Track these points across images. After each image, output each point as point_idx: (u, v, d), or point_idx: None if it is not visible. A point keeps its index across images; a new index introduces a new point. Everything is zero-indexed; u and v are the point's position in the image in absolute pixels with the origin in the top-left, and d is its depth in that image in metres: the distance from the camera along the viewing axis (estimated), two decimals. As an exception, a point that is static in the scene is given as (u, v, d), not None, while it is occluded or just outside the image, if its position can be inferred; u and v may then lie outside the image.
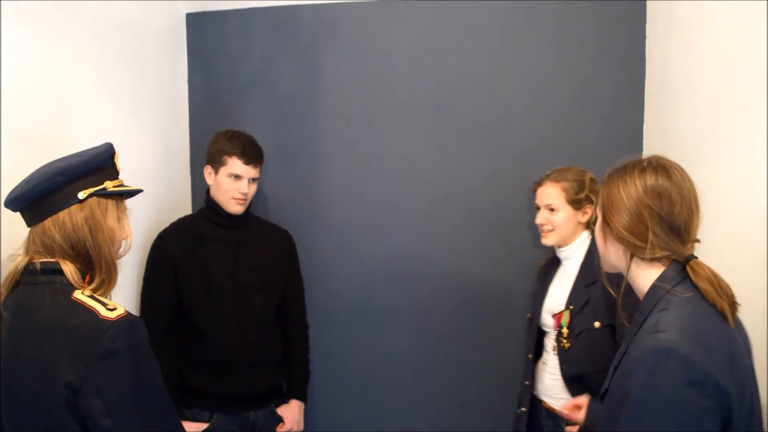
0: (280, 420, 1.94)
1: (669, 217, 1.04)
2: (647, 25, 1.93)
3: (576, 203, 1.73)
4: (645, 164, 1.09)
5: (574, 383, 1.65)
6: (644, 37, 1.94)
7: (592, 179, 1.74)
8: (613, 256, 1.13)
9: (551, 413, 1.73)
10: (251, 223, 1.97)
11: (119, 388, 1.03)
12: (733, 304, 1.02)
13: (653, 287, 1.06)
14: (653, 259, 1.06)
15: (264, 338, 1.92)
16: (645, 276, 1.08)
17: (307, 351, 2.07)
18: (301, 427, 2.00)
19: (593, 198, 1.71)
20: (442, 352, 2.12)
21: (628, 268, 1.10)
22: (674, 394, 0.91)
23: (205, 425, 1.82)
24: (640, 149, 1.94)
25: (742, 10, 1.31)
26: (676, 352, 0.92)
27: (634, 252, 1.07)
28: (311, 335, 2.10)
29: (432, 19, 2.07)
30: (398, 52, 2.10)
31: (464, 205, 2.08)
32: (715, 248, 1.40)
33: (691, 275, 1.03)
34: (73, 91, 1.59)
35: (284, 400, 1.99)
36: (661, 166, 1.08)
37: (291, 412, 1.96)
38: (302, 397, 2.01)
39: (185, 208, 2.23)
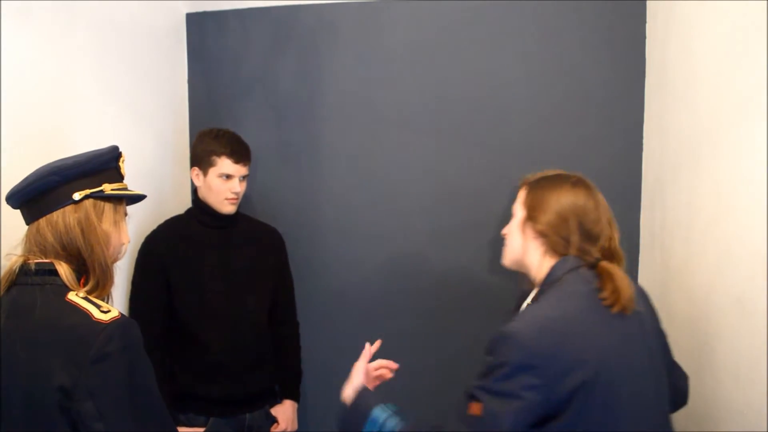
0: (274, 420, 1.93)
1: (589, 226, 1.22)
2: (647, 25, 1.93)
3: None
4: (574, 180, 1.27)
5: None
6: (644, 37, 1.94)
7: None
8: (529, 250, 1.28)
9: None
10: (241, 222, 1.95)
11: (112, 392, 1.02)
12: (630, 300, 1.16)
13: (552, 270, 1.23)
14: (562, 255, 1.22)
15: (257, 339, 1.91)
16: (547, 266, 1.24)
17: (299, 350, 2.06)
18: (296, 427, 1.99)
19: None
20: (440, 352, 2.11)
21: (539, 261, 1.26)
22: (505, 372, 1.09)
23: (200, 430, 1.80)
24: (640, 149, 1.94)
25: (742, 10, 1.31)
26: (514, 339, 1.10)
27: (553, 247, 1.24)
28: (306, 334, 2.09)
29: (432, 20, 2.07)
30: (398, 52, 2.10)
31: (464, 205, 2.08)
32: (715, 248, 1.40)
33: (601, 271, 1.18)
34: (73, 91, 1.59)
35: (278, 401, 1.98)
36: (586, 185, 1.26)
37: (285, 412, 1.96)
38: (295, 397, 2.01)
39: (185, 209, 2.22)
